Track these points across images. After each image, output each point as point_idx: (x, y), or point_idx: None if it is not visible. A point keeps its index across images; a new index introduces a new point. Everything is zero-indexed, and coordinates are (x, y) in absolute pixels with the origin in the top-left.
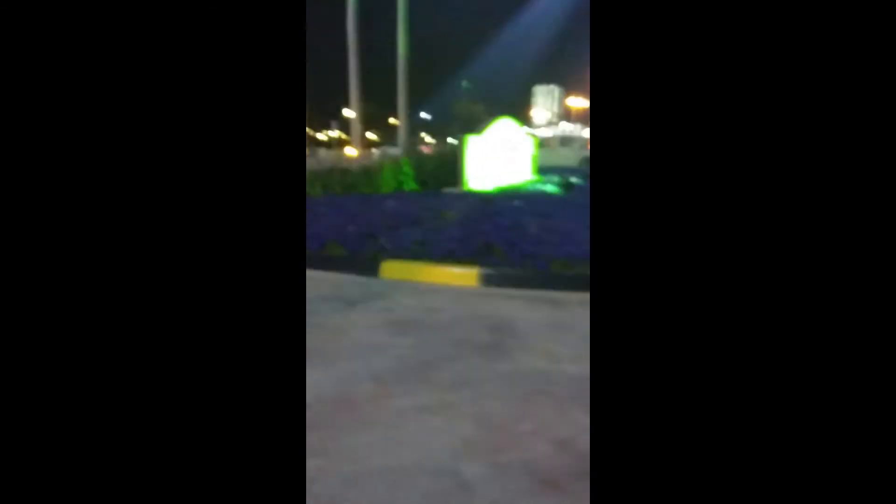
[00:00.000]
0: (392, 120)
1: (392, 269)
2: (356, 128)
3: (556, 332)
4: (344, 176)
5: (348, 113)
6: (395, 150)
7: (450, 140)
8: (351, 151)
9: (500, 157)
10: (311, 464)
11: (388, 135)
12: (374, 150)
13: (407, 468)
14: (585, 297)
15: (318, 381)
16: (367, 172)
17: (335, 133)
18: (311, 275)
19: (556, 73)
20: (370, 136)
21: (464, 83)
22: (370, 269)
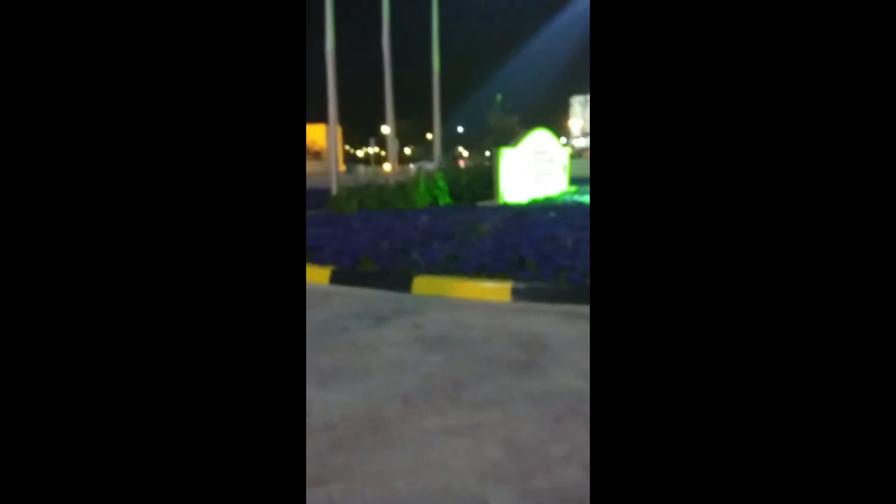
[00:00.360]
0: (428, 135)
1: (423, 285)
2: (392, 143)
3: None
4: (380, 192)
5: (385, 129)
6: (431, 165)
7: (487, 153)
8: (387, 167)
9: (535, 169)
10: (335, 488)
11: (425, 150)
12: (410, 166)
13: (432, 494)
14: None
15: (345, 399)
16: (402, 188)
17: (373, 150)
18: (343, 291)
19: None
20: (407, 151)
21: (498, 96)
22: (402, 284)
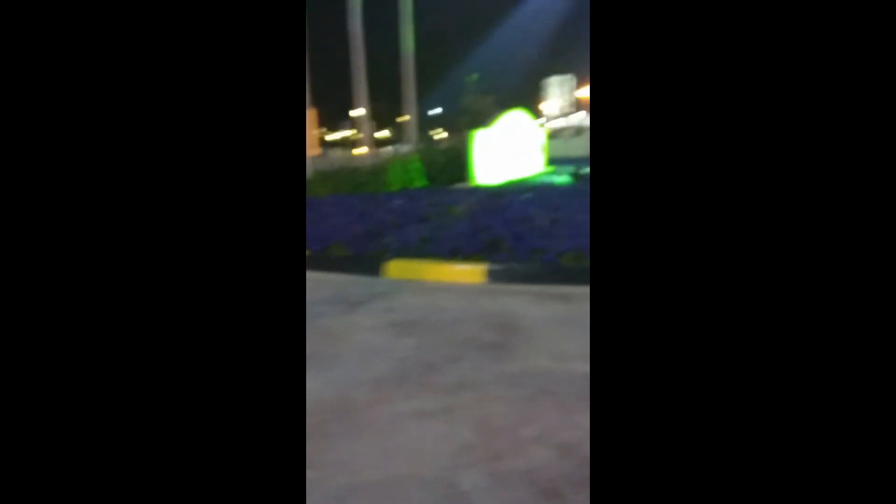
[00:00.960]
0: (403, 118)
1: (397, 269)
2: (365, 126)
3: (564, 328)
4: (353, 175)
5: (357, 112)
6: (406, 148)
7: (458, 135)
8: (361, 150)
9: (511, 150)
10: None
11: (400, 133)
12: (385, 149)
13: (401, 480)
14: None
15: (315, 387)
16: (375, 171)
17: (347, 133)
18: (314, 277)
19: (568, 63)
20: (381, 134)
21: (471, 76)
22: (375, 268)
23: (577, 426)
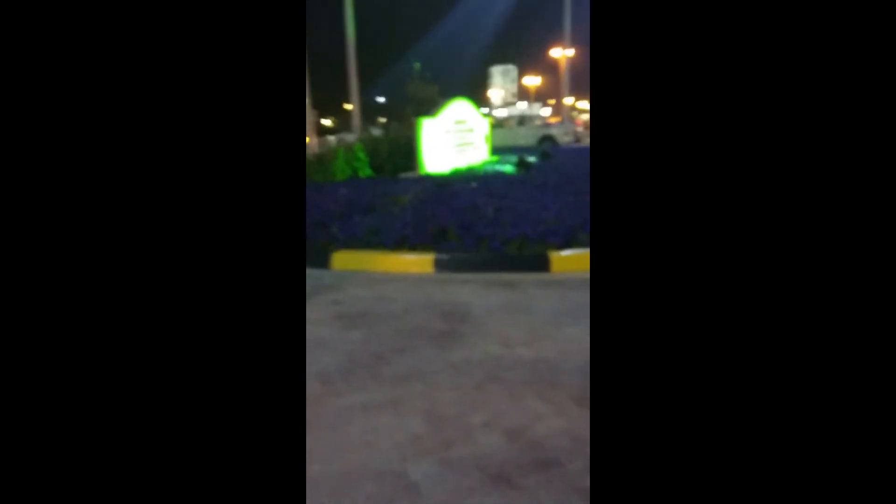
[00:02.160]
0: (348, 106)
1: (344, 260)
2: (309, 114)
3: (511, 315)
4: None
5: None
6: (351, 137)
7: (404, 123)
8: (305, 139)
9: (457, 139)
10: None
11: (345, 121)
12: (329, 137)
13: (350, 473)
14: (541, 277)
15: None
16: (320, 160)
17: None
18: None
19: (511, 52)
20: (326, 122)
21: (416, 64)
22: (321, 260)
23: (524, 411)
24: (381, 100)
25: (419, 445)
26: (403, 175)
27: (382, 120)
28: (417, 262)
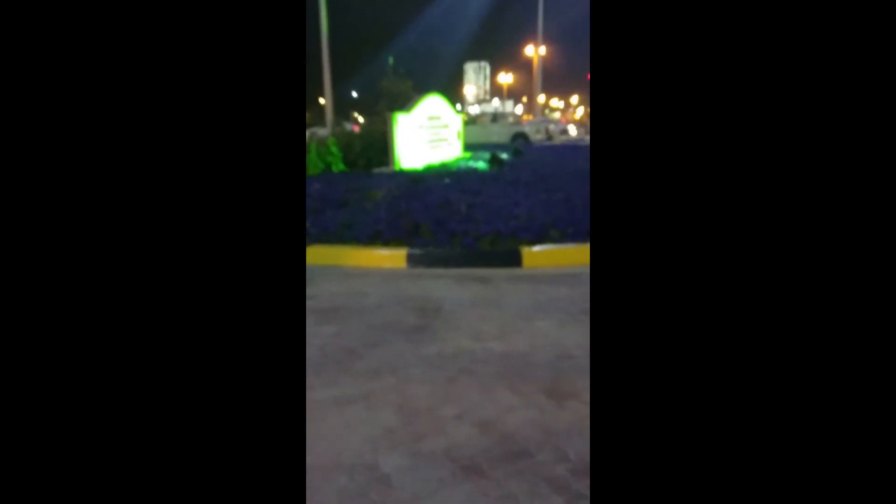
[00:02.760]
0: (321, 100)
1: (316, 254)
2: None
3: (483, 309)
4: None
5: None
6: (324, 131)
7: (377, 118)
8: None
9: (430, 135)
10: None
11: (318, 115)
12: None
13: (322, 466)
14: (512, 272)
15: None
16: None
17: None
18: None
19: (485, 49)
20: None
21: (390, 59)
22: None
23: (496, 403)
24: (355, 95)
25: (391, 438)
26: (377, 170)
27: (355, 115)
28: (390, 257)
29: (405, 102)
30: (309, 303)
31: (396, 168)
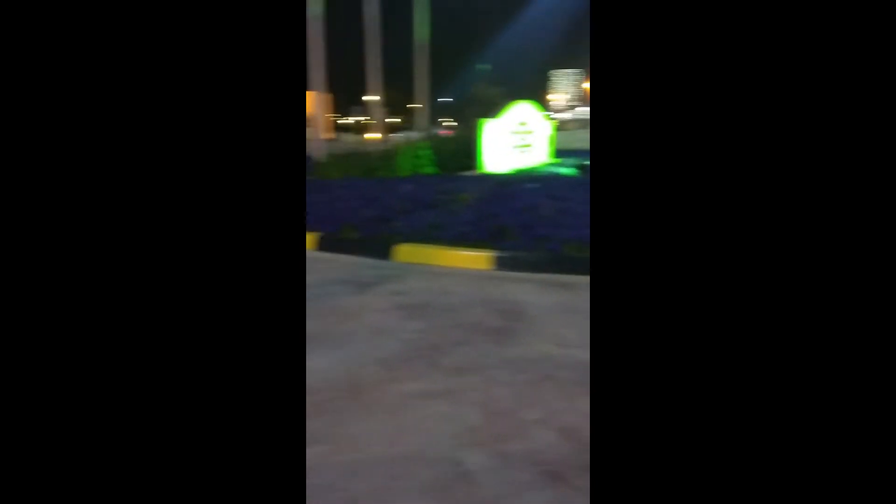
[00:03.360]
0: (413, 105)
1: (405, 253)
2: (377, 112)
3: (567, 315)
4: (364, 160)
5: (369, 97)
6: (416, 134)
7: (468, 124)
8: (372, 135)
9: (517, 140)
10: (314, 450)
11: (409, 119)
12: (396, 135)
13: (408, 457)
14: None
15: (326, 364)
16: (386, 156)
17: (358, 118)
18: (326, 257)
19: (575, 56)
20: (392, 120)
21: (481, 66)
22: (384, 252)
23: (578, 411)
24: (446, 100)
25: (474, 436)
26: (465, 173)
27: (447, 120)
28: (476, 259)
29: (495, 108)
30: (398, 298)
31: (482, 172)
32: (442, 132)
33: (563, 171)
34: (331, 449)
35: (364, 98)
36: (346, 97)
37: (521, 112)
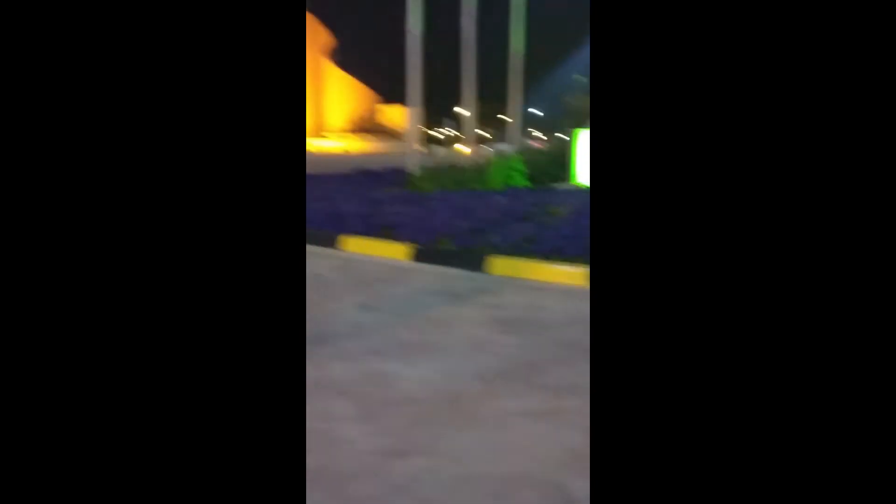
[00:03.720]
0: (502, 117)
1: (499, 265)
2: (469, 125)
3: None
4: (456, 172)
5: (460, 110)
6: (508, 146)
7: (560, 135)
8: (463, 148)
9: None
10: (416, 462)
11: (497, 132)
12: (487, 147)
13: (512, 477)
14: None
15: (425, 374)
16: (478, 169)
17: (449, 131)
18: (422, 268)
19: None
20: (483, 132)
21: (576, 76)
22: (478, 264)
23: None
24: (536, 112)
25: (578, 460)
26: (556, 185)
27: (536, 132)
28: (571, 274)
29: (588, 119)
30: (493, 311)
31: (576, 184)
32: (533, 143)
33: None
34: (435, 462)
35: (455, 110)
36: (437, 109)
37: None
